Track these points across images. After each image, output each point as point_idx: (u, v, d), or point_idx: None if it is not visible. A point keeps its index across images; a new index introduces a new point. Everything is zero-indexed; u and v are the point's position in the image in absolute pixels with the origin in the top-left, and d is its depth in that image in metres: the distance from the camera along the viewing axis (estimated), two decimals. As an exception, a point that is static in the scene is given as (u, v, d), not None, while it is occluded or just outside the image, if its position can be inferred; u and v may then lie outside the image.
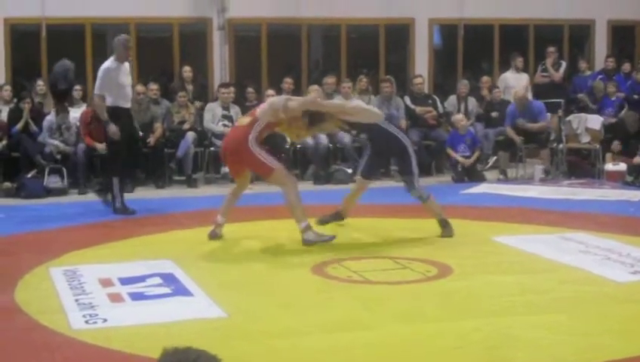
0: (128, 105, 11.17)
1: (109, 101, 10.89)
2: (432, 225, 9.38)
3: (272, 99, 9.45)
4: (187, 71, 14.90)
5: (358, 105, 9.98)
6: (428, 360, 5.55)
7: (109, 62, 10.91)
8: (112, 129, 10.86)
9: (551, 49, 16.19)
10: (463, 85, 15.68)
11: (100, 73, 10.94)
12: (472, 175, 13.89)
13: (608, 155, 14.17)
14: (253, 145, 8.72)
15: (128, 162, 11.55)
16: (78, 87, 14.27)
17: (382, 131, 9.06)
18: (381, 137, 9.12)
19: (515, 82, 16.07)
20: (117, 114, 10.93)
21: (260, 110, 9.00)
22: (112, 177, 11.15)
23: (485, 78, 16.21)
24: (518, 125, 14.09)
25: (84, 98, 14.41)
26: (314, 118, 8.95)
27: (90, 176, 13.61)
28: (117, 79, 10.84)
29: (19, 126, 13.18)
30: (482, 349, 5.68)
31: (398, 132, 9.35)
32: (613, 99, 15.43)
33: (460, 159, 13.92)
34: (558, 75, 16.03)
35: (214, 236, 9.24)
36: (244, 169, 9.14)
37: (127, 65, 11.12)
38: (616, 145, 14.13)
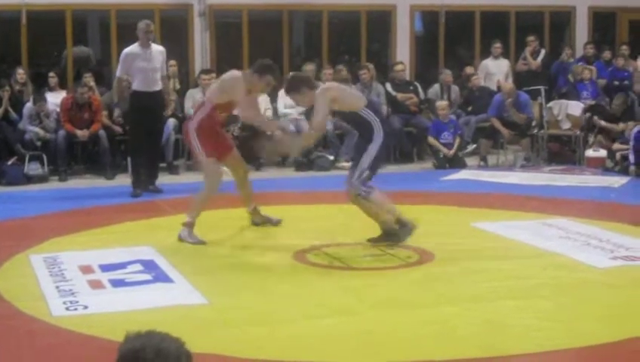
0: (150, 89, 11.34)
1: (133, 86, 11.40)
2: (413, 212, 9.38)
3: (224, 77, 8.95)
4: (172, 65, 14.75)
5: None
6: (410, 346, 5.56)
7: (129, 47, 11.34)
8: (116, 113, 11.38)
9: (531, 38, 16.19)
10: (447, 75, 15.68)
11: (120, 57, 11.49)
12: (454, 162, 13.89)
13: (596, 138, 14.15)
14: (192, 131, 8.61)
15: (150, 148, 11.72)
16: (52, 73, 14.16)
17: (357, 118, 8.50)
18: (357, 124, 8.81)
19: (495, 69, 16.09)
20: (137, 98, 11.36)
21: (208, 91, 8.91)
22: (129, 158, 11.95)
23: (469, 69, 16.17)
24: (505, 118, 14.04)
25: (62, 84, 14.30)
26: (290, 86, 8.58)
27: (71, 163, 13.55)
28: (134, 63, 11.20)
29: (-2, 113, 13.10)
30: (464, 335, 5.70)
31: (375, 123, 8.30)
32: (586, 83, 15.46)
33: (443, 150, 13.90)
34: (536, 63, 16.04)
35: (256, 224, 9.23)
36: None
37: (154, 50, 11.40)
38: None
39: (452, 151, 13.92)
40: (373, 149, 8.17)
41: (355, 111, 8.27)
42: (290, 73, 9.98)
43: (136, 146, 11.74)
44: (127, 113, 12.44)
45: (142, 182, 11.51)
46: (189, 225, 8.59)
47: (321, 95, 8.14)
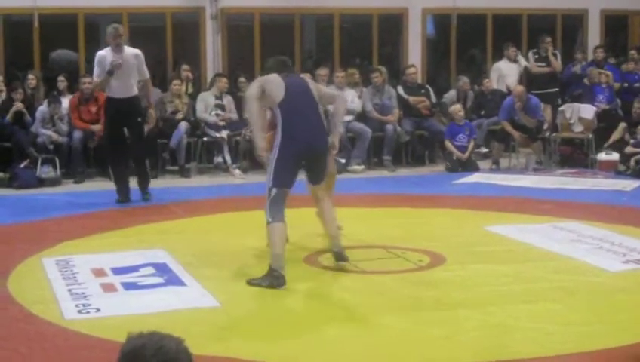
0: (124, 95, 10.80)
1: (107, 92, 11.00)
2: (425, 215, 9.39)
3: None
4: (186, 70, 14.75)
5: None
6: (421, 349, 5.57)
7: (102, 51, 10.95)
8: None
9: (548, 39, 16.12)
10: (465, 83, 15.66)
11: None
12: (467, 165, 13.88)
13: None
14: None
15: (135, 157, 11.28)
16: (61, 77, 14.16)
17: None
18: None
19: (508, 71, 16.04)
20: (111, 105, 10.94)
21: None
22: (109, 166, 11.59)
23: (487, 81, 16.03)
24: (516, 121, 14.00)
25: (70, 89, 14.30)
26: None
27: (87, 165, 13.58)
28: (104, 68, 10.75)
29: (9, 116, 13.12)
30: (475, 338, 5.70)
31: (279, 125, 7.39)
32: (603, 86, 15.40)
33: (457, 153, 13.88)
34: (559, 63, 15.97)
35: None
36: None
37: (127, 54, 10.79)
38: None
39: (466, 155, 13.91)
40: (272, 160, 7.28)
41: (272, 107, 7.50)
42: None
43: (113, 154, 11.22)
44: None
45: (125, 189, 11.10)
46: None
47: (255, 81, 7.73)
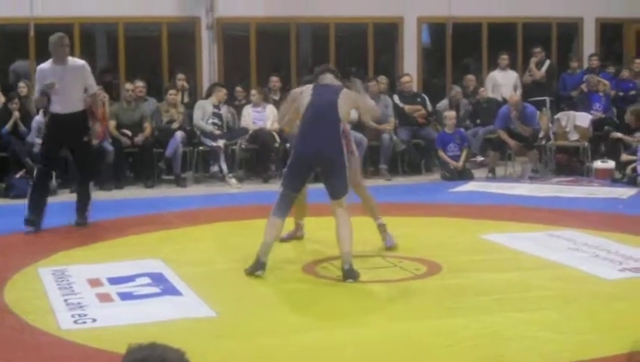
0: (67, 110, 9.88)
1: (50, 107, 10.05)
2: (421, 224, 9.39)
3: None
4: (181, 79, 14.75)
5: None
6: (418, 358, 5.57)
7: (43, 64, 10.05)
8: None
9: (537, 49, 16.19)
10: (457, 92, 15.70)
11: None
12: (462, 173, 13.90)
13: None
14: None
15: (79, 179, 10.48)
16: (22, 84, 14.02)
17: None
18: None
19: (503, 80, 16.07)
20: (53, 121, 10.06)
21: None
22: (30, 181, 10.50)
23: (469, 77, 16.15)
24: (512, 130, 14.02)
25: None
26: None
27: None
28: (44, 82, 9.80)
29: (8, 126, 13.12)
30: (472, 347, 5.69)
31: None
32: (601, 94, 15.41)
33: (451, 162, 13.90)
34: (540, 73, 16.01)
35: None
36: None
37: (71, 66, 9.93)
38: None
39: (460, 164, 13.92)
40: (287, 163, 7.99)
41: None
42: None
43: (41, 173, 10.15)
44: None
45: (40, 212, 9.98)
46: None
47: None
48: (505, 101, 14.93)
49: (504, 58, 16.23)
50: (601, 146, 14.47)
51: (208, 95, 14.50)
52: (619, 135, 14.17)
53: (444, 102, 15.71)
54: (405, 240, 9.03)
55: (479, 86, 16.04)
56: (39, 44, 14.87)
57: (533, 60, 16.10)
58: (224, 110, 14.18)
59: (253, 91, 14.53)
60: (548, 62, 16.24)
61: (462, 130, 14.66)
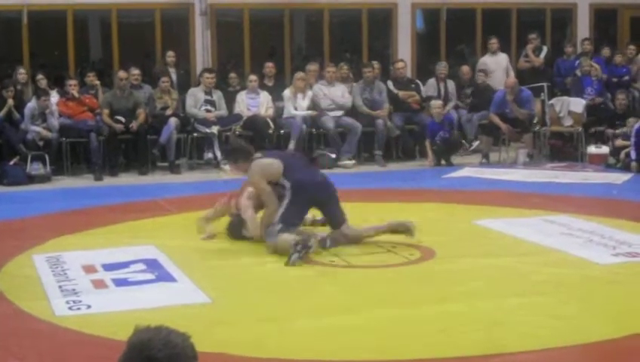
0: None
1: None
2: (414, 209, 9.38)
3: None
4: (171, 56, 14.83)
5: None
6: (413, 343, 5.57)
7: None
8: None
9: (532, 35, 16.18)
10: (442, 67, 15.62)
11: None
12: (451, 141, 13.89)
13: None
14: None
15: None
16: (40, 75, 14.04)
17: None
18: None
19: (494, 65, 16.00)
20: None
21: None
22: None
23: (465, 69, 16.08)
24: (507, 114, 14.02)
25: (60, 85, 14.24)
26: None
27: (73, 163, 13.57)
28: None
29: (2, 114, 13.09)
30: (466, 332, 5.70)
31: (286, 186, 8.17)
32: (593, 78, 15.37)
33: (431, 156, 13.86)
34: (539, 60, 16.02)
35: None
36: None
37: None
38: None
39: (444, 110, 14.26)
40: (282, 207, 8.06)
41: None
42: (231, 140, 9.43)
43: None
44: None
45: None
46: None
47: (250, 175, 8.29)
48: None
49: (493, 42, 16.13)
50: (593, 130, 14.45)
51: (199, 82, 14.47)
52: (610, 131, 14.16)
53: (431, 81, 15.54)
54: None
55: (474, 75, 15.96)
56: (32, 30, 14.86)
57: (530, 47, 16.08)
58: (216, 96, 14.15)
59: (252, 77, 14.45)
60: (545, 48, 16.23)
61: (451, 114, 14.66)
